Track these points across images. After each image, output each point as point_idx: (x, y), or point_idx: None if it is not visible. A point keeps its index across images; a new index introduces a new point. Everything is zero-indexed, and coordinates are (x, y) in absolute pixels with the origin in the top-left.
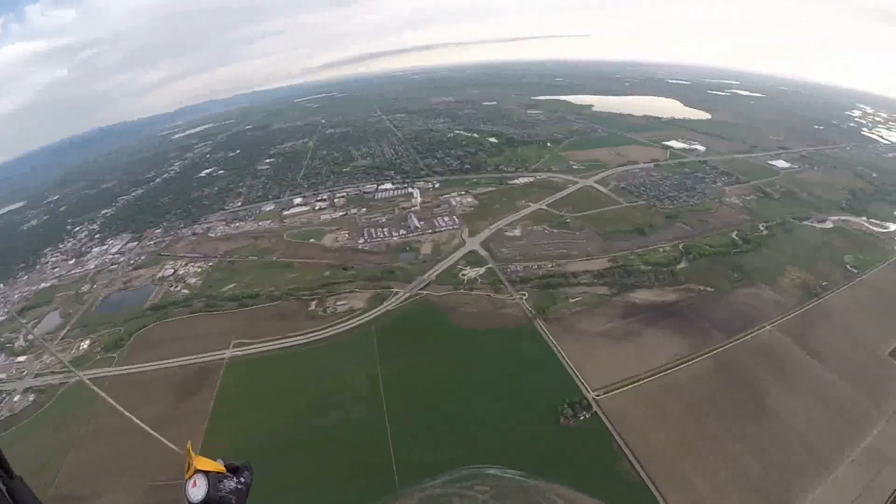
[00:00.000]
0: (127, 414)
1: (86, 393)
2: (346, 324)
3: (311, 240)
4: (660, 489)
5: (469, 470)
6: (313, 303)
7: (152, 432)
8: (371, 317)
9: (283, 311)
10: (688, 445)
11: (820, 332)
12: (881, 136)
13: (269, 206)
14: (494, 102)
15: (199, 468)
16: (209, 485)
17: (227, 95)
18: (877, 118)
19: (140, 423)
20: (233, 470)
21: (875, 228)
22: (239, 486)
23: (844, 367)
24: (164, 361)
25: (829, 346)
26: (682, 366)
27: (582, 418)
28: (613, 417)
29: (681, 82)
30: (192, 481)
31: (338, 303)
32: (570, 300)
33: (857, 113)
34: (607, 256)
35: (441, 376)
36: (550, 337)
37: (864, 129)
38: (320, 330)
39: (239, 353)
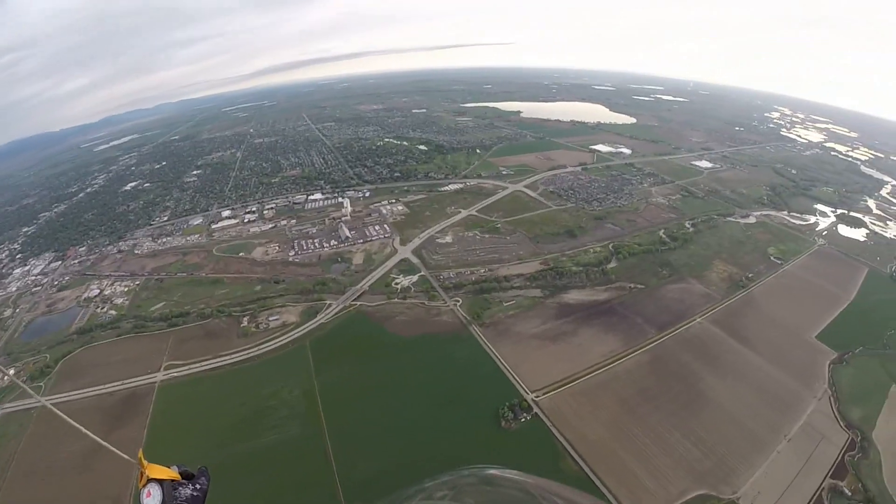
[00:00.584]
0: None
1: (11, 429)
2: (279, 339)
3: (241, 253)
4: (603, 481)
5: (469, 470)
6: (245, 319)
7: (102, 442)
8: (305, 331)
9: (214, 329)
10: (627, 437)
11: (749, 321)
12: (799, 136)
13: (197, 220)
14: (424, 110)
15: (152, 477)
16: (164, 494)
17: (154, 104)
18: (794, 119)
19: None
20: (188, 477)
21: (796, 221)
22: (195, 494)
23: (774, 352)
24: (94, 388)
25: (758, 334)
26: (617, 362)
27: (522, 420)
28: (553, 416)
29: (606, 88)
30: (145, 491)
31: (270, 318)
32: (504, 304)
33: (775, 114)
34: (539, 259)
35: (379, 387)
36: (486, 342)
37: (783, 129)
38: (253, 347)
39: (170, 375)
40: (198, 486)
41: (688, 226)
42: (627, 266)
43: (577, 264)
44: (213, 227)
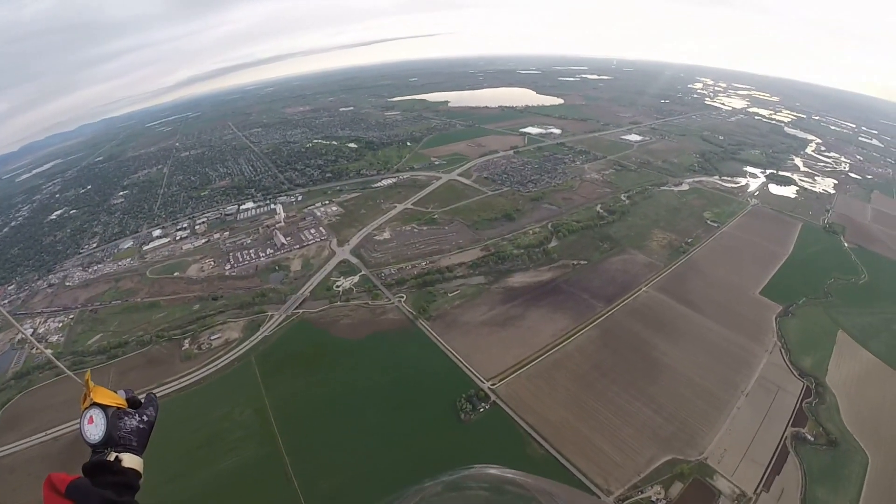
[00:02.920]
0: None
1: None
2: (223, 358)
3: (176, 273)
4: (569, 458)
5: (469, 471)
6: (186, 341)
7: (59, 364)
8: (249, 346)
9: (155, 356)
10: (588, 414)
11: (693, 284)
12: (722, 104)
13: (128, 243)
14: (351, 108)
15: (96, 400)
16: (108, 423)
17: (75, 126)
18: (717, 88)
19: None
20: (135, 405)
21: (728, 185)
22: (141, 426)
23: (722, 312)
24: (37, 436)
25: (704, 296)
26: (568, 340)
27: (482, 410)
28: (512, 402)
29: (532, 72)
30: (87, 416)
31: (212, 337)
32: (449, 295)
33: (698, 85)
34: (479, 246)
35: (331, 395)
36: (435, 335)
37: (707, 98)
38: (198, 369)
39: None
40: (144, 418)
41: (623, 198)
42: (568, 244)
43: (518, 247)
44: (145, 248)
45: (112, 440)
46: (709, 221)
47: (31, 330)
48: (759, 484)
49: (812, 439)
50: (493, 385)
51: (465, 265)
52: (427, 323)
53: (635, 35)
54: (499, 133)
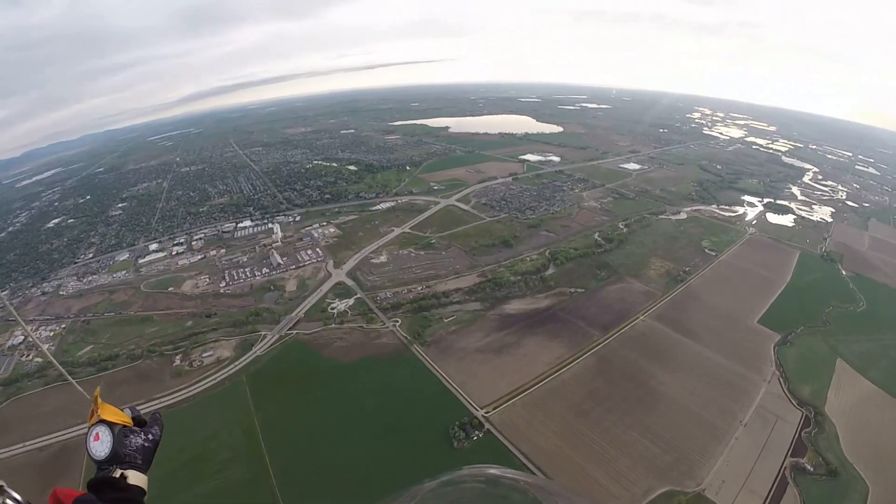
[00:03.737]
0: None
1: None
2: (214, 376)
3: (170, 288)
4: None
5: (469, 469)
6: (178, 357)
7: (70, 378)
8: (240, 365)
9: (145, 370)
10: (583, 443)
11: (691, 313)
12: (721, 133)
13: (124, 256)
14: (352, 130)
15: (103, 418)
16: (114, 440)
17: (78, 135)
18: (715, 118)
19: None
20: (140, 423)
21: (725, 213)
22: (146, 444)
23: (720, 341)
24: (23, 445)
25: (702, 325)
26: (564, 368)
27: (475, 438)
28: (506, 431)
29: (532, 100)
30: (94, 433)
31: (204, 354)
32: (445, 320)
33: (696, 115)
34: (476, 272)
35: (322, 418)
36: (429, 360)
37: (705, 128)
38: (188, 387)
39: None
40: (150, 436)
41: (621, 226)
42: (565, 271)
43: (515, 274)
44: (141, 261)
45: (118, 457)
46: (707, 250)
47: (22, 337)
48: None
49: (812, 469)
50: (486, 413)
51: (461, 291)
52: (421, 348)
53: (633, 64)
54: (498, 159)
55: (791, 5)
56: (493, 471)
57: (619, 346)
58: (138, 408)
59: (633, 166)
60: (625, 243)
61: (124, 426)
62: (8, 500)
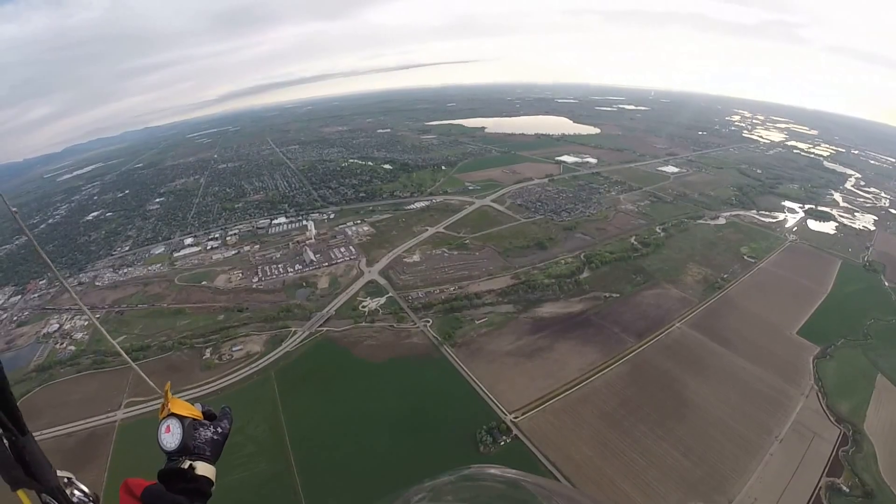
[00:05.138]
0: None
1: None
2: (243, 370)
3: (203, 282)
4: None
5: (470, 470)
6: (208, 350)
7: (136, 367)
8: (269, 360)
9: (176, 362)
10: (612, 452)
11: (728, 321)
12: (761, 137)
13: (159, 249)
14: (388, 129)
15: (173, 411)
16: (184, 432)
17: (117, 132)
18: (755, 121)
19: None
20: (210, 417)
21: (765, 219)
22: (215, 437)
23: (757, 352)
24: (52, 430)
25: (739, 335)
26: (596, 374)
27: (502, 443)
28: (534, 437)
29: (569, 101)
30: (165, 426)
31: (234, 348)
32: (476, 322)
33: (736, 117)
34: (509, 274)
35: (349, 416)
36: (459, 362)
37: (745, 131)
38: (217, 380)
39: (131, 414)
40: (219, 430)
41: (658, 231)
42: (600, 275)
43: (549, 277)
44: (175, 255)
45: (187, 449)
46: (746, 257)
47: (57, 325)
48: None
49: (847, 490)
50: (515, 418)
51: (494, 292)
52: (451, 349)
53: (670, 66)
54: (534, 160)
55: (834, 5)
56: (493, 470)
57: (653, 354)
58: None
59: (670, 169)
60: (661, 248)
61: (194, 419)
62: (76, 492)
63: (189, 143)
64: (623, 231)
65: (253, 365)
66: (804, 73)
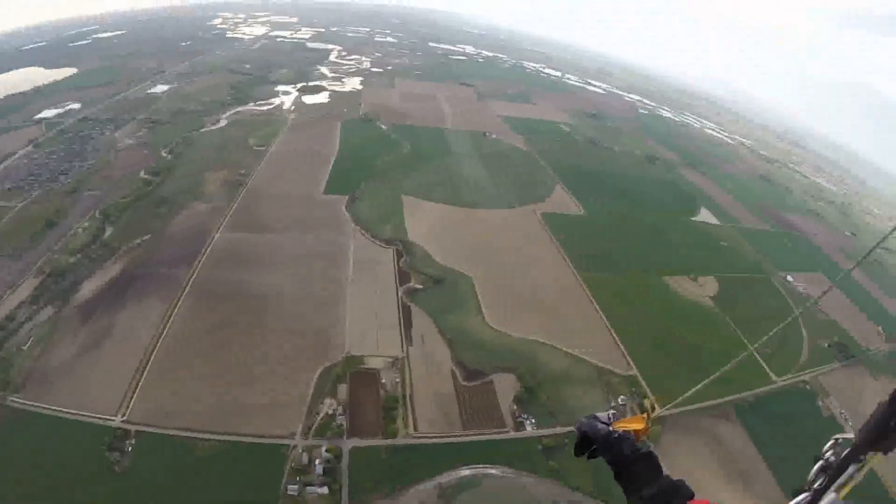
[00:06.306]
0: None
1: None
2: None
3: None
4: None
5: (470, 469)
6: None
7: None
8: None
9: None
10: (235, 378)
11: (263, 210)
12: (244, 34)
13: None
14: None
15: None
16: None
17: None
18: (237, 20)
19: None
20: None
21: (264, 108)
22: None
23: (299, 224)
24: None
25: (276, 217)
26: (171, 324)
27: (129, 450)
28: (155, 421)
29: (39, 45)
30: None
31: None
32: (24, 348)
33: (217, 21)
34: (29, 274)
35: None
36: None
37: (228, 32)
38: None
39: None
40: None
41: (165, 154)
42: (124, 225)
43: (73, 253)
44: None
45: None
46: (255, 147)
47: None
48: (401, 343)
49: (422, 286)
50: (125, 419)
51: (25, 304)
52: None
53: None
54: (4, 130)
55: None
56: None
57: (210, 273)
58: None
59: (161, 88)
60: (174, 170)
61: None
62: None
63: None
64: (130, 169)
65: None
66: None
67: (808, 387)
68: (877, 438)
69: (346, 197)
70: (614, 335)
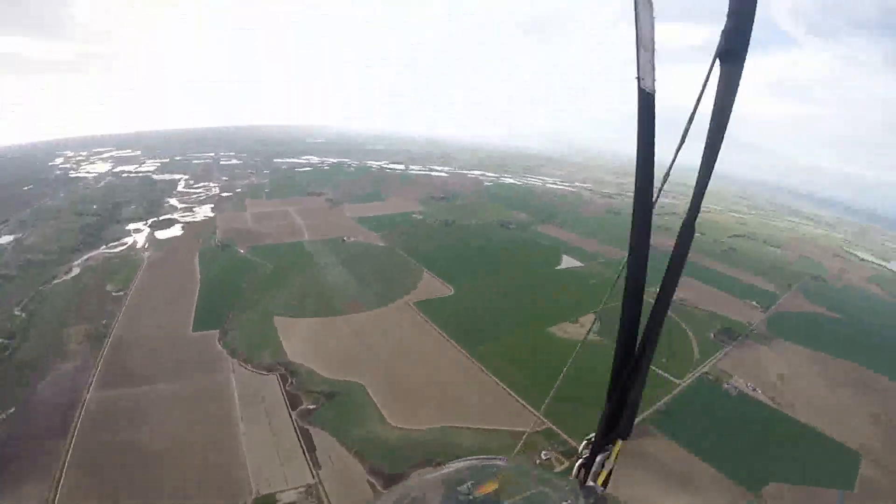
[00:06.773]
0: None
1: None
2: None
3: None
4: None
5: (479, 460)
6: None
7: None
8: None
9: None
10: None
11: (132, 361)
12: (88, 173)
13: None
14: None
15: None
16: None
17: None
18: (79, 158)
19: None
20: None
21: (117, 250)
22: None
23: (174, 370)
24: None
25: (148, 366)
26: None
27: None
28: None
29: None
30: None
31: None
32: None
33: (59, 160)
34: None
35: None
36: None
37: (71, 171)
38: None
39: None
40: None
41: (18, 312)
42: None
43: None
44: None
45: None
46: (114, 293)
47: None
48: (310, 469)
49: (315, 405)
50: None
51: None
52: None
53: None
54: None
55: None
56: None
57: (89, 440)
58: None
59: (5, 239)
60: (30, 329)
61: None
62: None
63: None
64: None
65: None
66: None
67: (710, 377)
68: (608, 430)
69: (217, 331)
70: (517, 398)
